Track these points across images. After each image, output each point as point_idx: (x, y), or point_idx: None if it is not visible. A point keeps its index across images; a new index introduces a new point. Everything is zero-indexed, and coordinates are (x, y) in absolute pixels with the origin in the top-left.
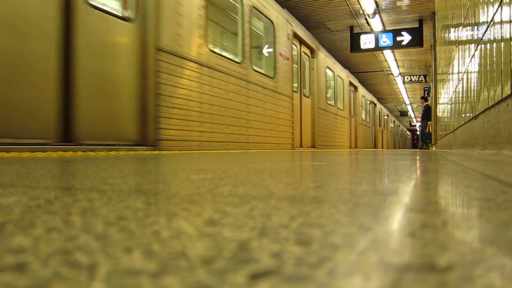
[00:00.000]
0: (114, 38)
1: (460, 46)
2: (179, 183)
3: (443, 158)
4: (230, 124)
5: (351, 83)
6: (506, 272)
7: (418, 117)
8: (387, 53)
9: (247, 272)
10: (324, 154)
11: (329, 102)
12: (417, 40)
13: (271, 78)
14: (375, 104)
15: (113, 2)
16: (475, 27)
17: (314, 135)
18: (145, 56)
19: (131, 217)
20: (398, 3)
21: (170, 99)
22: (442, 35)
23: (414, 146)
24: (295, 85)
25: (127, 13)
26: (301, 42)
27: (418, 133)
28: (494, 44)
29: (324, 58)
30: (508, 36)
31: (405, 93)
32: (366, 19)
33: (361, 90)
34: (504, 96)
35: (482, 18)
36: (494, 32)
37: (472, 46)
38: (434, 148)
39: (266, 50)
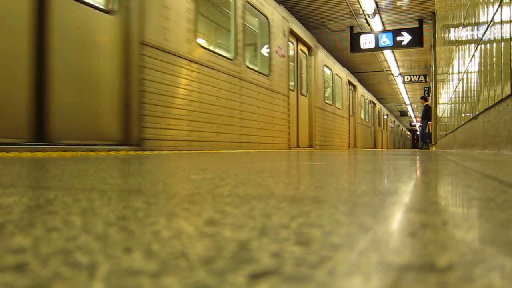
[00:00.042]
0: (95, 31)
1: (460, 46)
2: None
3: (443, 158)
4: (222, 123)
5: (349, 82)
6: (506, 272)
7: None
8: (387, 53)
9: (247, 272)
10: (321, 154)
11: (327, 101)
12: (417, 40)
13: (266, 76)
14: (374, 104)
15: None
16: (475, 27)
17: (311, 135)
18: (128, 51)
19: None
20: (398, 3)
21: (156, 97)
22: (442, 35)
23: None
24: (292, 83)
25: (109, 5)
26: (298, 39)
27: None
28: (494, 44)
29: (321, 56)
30: (508, 36)
31: (405, 93)
32: (366, 19)
33: (360, 89)
34: (504, 96)
35: (482, 18)
36: (494, 32)
37: (472, 46)
38: (434, 148)
39: (260, 47)
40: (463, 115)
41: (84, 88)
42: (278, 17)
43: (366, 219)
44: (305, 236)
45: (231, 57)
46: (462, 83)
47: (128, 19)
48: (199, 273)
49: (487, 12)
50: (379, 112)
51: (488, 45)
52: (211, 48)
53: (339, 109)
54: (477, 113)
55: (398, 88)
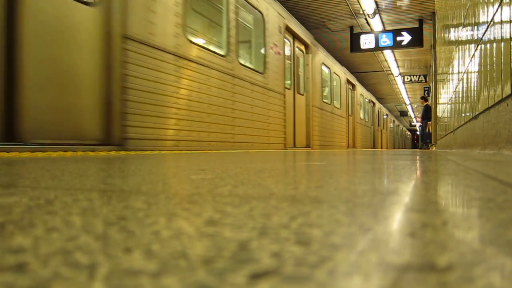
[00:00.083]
0: (73, 23)
1: (460, 46)
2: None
3: (443, 158)
4: (213, 122)
5: (348, 81)
6: (506, 272)
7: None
8: (387, 53)
9: (247, 272)
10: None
11: (325, 100)
12: (417, 40)
13: (260, 73)
14: (374, 103)
15: None
16: (475, 27)
17: (308, 135)
18: (110, 45)
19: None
20: (398, 3)
21: (140, 93)
22: (442, 35)
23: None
24: (288, 82)
25: None
26: (295, 36)
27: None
28: (494, 44)
29: (319, 54)
30: (508, 36)
31: (405, 93)
32: (366, 19)
33: (359, 89)
34: (504, 96)
35: (482, 18)
36: (494, 32)
37: (472, 46)
38: (434, 148)
39: (255, 44)
40: (463, 115)
41: (60, 85)
42: (273, 13)
43: (366, 219)
44: (305, 236)
45: (223, 54)
46: (462, 83)
47: (109, 11)
48: (199, 273)
49: (487, 12)
50: (378, 111)
51: (488, 45)
52: (202, 43)
53: (338, 108)
54: (477, 113)
55: (398, 88)
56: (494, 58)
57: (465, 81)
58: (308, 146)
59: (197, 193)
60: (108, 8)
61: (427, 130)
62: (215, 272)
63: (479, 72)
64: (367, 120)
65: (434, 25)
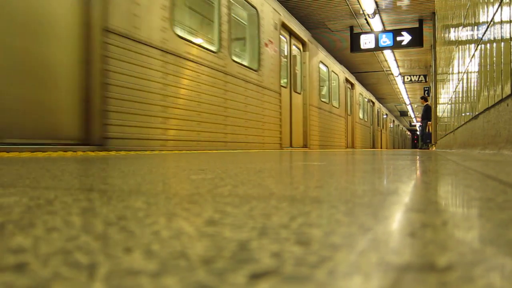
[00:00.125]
0: (47, 14)
1: (460, 46)
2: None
3: (443, 158)
4: (203, 120)
5: (347, 80)
6: (506, 272)
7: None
8: (387, 53)
9: (247, 272)
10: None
11: (323, 99)
12: (417, 40)
13: (254, 71)
14: (373, 103)
15: None
16: (475, 27)
17: (306, 134)
18: (89, 38)
19: None
20: (398, 3)
21: (122, 90)
22: (442, 35)
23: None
24: (285, 80)
25: None
26: (291, 33)
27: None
28: (494, 44)
29: (317, 52)
30: (508, 36)
31: (405, 93)
32: (366, 19)
33: (358, 88)
34: (504, 96)
35: (482, 18)
36: (494, 32)
37: (472, 46)
38: (434, 148)
39: (249, 41)
40: (463, 115)
41: (32, 80)
42: (268, 8)
43: (366, 219)
44: (305, 236)
45: (214, 50)
46: (462, 83)
47: (88, 1)
48: (199, 273)
49: (487, 12)
50: (378, 111)
51: (488, 45)
52: (191, 39)
53: (336, 107)
54: (477, 113)
55: (398, 88)
56: (494, 58)
57: (465, 81)
58: (305, 146)
59: (194, 194)
60: None
61: (427, 130)
62: (215, 272)
63: (479, 72)
64: (366, 119)
65: (434, 25)
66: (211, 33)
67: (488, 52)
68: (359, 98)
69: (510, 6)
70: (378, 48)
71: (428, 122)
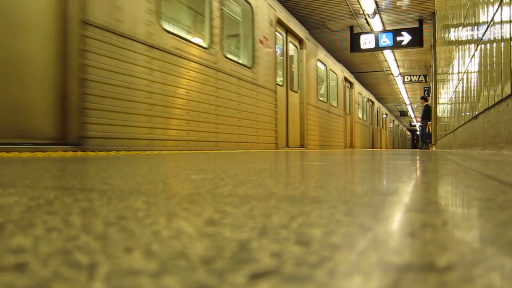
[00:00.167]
0: (19, 5)
1: (460, 46)
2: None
3: (443, 158)
4: (192, 119)
5: (346, 79)
6: (506, 272)
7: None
8: (387, 53)
9: (247, 272)
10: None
11: (320, 98)
12: (417, 40)
13: (248, 68)
14: (372, 102)
15: None
16: (475, 27)
17: (303, 134)
18: (65, 31)
19: None
20: (398, 3)
21: (103, 87)
22: (442, 35)
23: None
24: (281, 78)
25: None
26: (288, 30)
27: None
28: (494, 44)
29: (314, 50)
30: (508, 36)
31: (405, 93)
32: (366, 19)
33: (357, 87)
34: (504, 96)
35: (482, 18)
36: (494, 32)
37: (472, 46)
38: (434, 148)
39: (243, 37)
40: (463, 114)
41: (2, 75)
42: (263, 4)
43: (366, 219)
44: (305, 236)
45: (205, 45)
46: (462, 83)
47: None
48: (199, 273)
49: (487, 12)
50: (377, 111)
51: (488, 45)
52: (180, 33)
53: (334, 107)
54: (477, 113)
55: (398, 88)
56: (494, 58)
57: (465, 81)
58: (302, 146)
59: (194, 194)
60: None
61: (427, 130)
62: (215, 272)
63: (479, 72)
64: (365, 119)
65: (434, 25)
66: (201, 28)
67: (488, 52)
68: (358, 97)
69: (510, 6)
70: (378, 48)
71: (428, 122)
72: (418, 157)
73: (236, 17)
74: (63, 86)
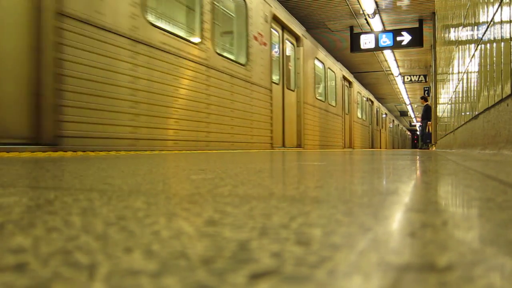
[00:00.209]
0: None
1: (460, 46)
2: None
3: (443, 158)
4: (181, 118)
5: (344, 78)
6: (506, 272)
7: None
8: (387, 53)
9: (247, 272)
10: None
11: (318, 97)
12: (417, 40)
13: (242, 65)
14: (372, 102)
15: None
16: (475, 27)
17: (300, 134)
18: (40, 23)
19: None
20: (398, 3)
21: (82, 83)
22: (442, 35)
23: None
24: (277, 76)
25: None
26: (284, 27)
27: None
28: (494, 44)
29: (312, 47)
30: (508, 36)
31: (405, 93)
32: (366, 19)
33: (356, 86)
34: (504, 96)
35: (482, 18)
36: (494, 32)
37: (472, 46)
38: (434, 148)
39: (237, 33)
40: (463, 114)
41: None
42: None
43: (366, 219)
44: (305, 236)
45: (195, 41)
46: (462, 83)
47: None
48: (199, 273)
49: (487, 12)
50: (377, 110)
51: (488, 45)
52: (167, 28)
53: (333, 106)
54: (477, 113)
55: (398, 88)
56: (494, 58)
57: (465, 81)
58: (299, 146)
59: (194, 194)
60: None
61: (427, 130)
62: (215, 272)
63: (479, 72)
64: (365, 119)
65: (434, 25)
66: (191, 23)
67: (488, 52)
68: (357, 96)
69: (510, 6)
70: (378, 48)
71: (428, 122)
72: (418, 157)
73: (229, 13)
74: (37, 81)
